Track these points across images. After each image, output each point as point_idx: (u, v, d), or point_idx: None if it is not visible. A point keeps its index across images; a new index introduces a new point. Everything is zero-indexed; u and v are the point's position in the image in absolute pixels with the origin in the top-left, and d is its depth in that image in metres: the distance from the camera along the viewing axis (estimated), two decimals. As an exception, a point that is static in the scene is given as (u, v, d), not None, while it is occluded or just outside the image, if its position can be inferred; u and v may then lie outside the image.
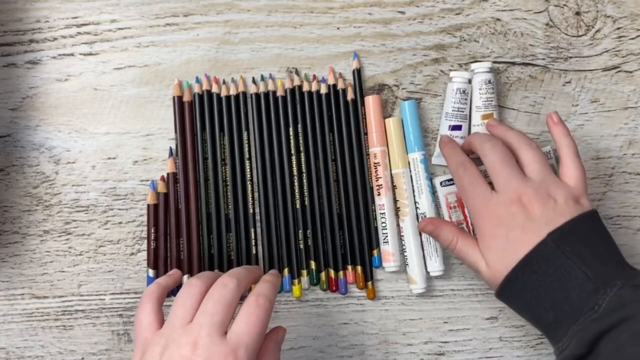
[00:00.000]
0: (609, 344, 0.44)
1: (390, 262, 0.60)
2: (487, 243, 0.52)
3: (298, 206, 0.60)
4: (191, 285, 0.47)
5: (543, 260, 0.48)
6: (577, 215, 0.49)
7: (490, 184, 0.53)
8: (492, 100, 0.60)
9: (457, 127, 0.61)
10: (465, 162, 0.55)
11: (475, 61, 0.62)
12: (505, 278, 0.50)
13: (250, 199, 0.60)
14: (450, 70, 0.63)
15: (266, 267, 0.60)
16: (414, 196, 0.61)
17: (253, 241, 0.60)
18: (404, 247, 0.60)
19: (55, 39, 0.62)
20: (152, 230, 0.60)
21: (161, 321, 0.47)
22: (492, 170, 0.53)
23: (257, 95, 0.61)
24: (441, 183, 0.60)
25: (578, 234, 0.49)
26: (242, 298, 0.48)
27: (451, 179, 0.60)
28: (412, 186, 0.61)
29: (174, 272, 0.54)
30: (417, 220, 0.60)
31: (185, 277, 0.59)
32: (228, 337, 0.43)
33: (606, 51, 0.63)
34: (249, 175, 0.61)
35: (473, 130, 0.61)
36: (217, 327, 0.43)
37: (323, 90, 0.62)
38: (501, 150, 0.53)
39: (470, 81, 0.61)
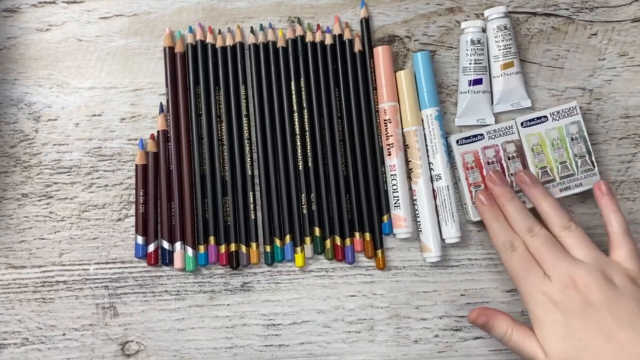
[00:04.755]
0: None
1: (401, 228, 0.55)
2: (546, 332, 0.47)
3: (301, 167, 0.55)
4: None
5: None
6: None
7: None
8: (510, 47, 0.55)
9: (477, 82, 0.56)
10: (513, 241, 0.50)
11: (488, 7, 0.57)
12: None
13: (249, 159, 0.55)
14: (466, 20, 0.58)
15: (266, 234, 0.55)
16: (428, 156, 0.56)
17: (251, 206, 0.55)
18: (416, 211, 0.55)
19: (35, -15, 0.57)
20: (141, 194, 0.55)
21: None
22: (538, 255, 0.49)
23: (256, 46, 0.57)
24: (457, 141, 0.55)
25: None
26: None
27: (468, 137, 0.55)
28: (426, 145, 0.56)
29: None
30: (431, 182, 0.55)
31: (178, 244, 0.54)
32: None
33: (636, 0, 0.58)
34: (246, 134, 0.56)
35: (494, 82, 0.56)
36: None
37: (328, 41, 0.57)
38: (543, 235, 0.50)
39: (484, 30, 0.56)
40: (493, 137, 0.55)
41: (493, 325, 0.51)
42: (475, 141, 0.55)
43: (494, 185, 0.53)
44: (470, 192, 0.54)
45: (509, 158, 0.55)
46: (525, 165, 0.54)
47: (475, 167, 0.55)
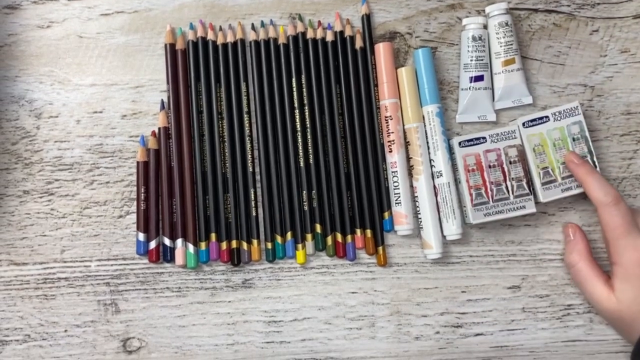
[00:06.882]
0: None
1: (402, 224, 0.55)
2: (629, 284, 0.51)
3: (302, 164, 0.55)
4: None
5: None
6: None
7: None
8: (511, 44, 0.55)
9: (478, 78, 0.56)
10: (617, 196, 0.52)
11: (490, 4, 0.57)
12: None
13: (250, 156, 0.55)
14: (468, 16, 0.57)
15: (267, 230, 0.55)
16: (429, 153, 0.55)
17: (253, 202, 0.55)
18: (417, 208, 0.55)
19: (36, -18, 0.57)
20: (142, 190, 0.55)
21: None
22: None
23: (257, 43, 0.57)
24: (460, 143, 0.55)
25: None
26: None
27: (471, 140, 0.54)
28: (427, 142, 0.56)
29: None
30: (432, 179, 0.55)
31: (179, 241, 0.54)
32: None
33: (637, -3, 0.58)
34: (247, 131, 0.56)
35: (496, 79, 0.56)
36: None
37: (329, 37, 0.57)
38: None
39: (485, 26, 0.56)
40: (495, 140, 0.55)
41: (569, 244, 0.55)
42: (478, 144, 0.55)
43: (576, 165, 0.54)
44: (471, 194, 0.54)
45: (510, 162, 0.54)
46: (526, 170, 0.54)
47: (476, 170, 0.55)
